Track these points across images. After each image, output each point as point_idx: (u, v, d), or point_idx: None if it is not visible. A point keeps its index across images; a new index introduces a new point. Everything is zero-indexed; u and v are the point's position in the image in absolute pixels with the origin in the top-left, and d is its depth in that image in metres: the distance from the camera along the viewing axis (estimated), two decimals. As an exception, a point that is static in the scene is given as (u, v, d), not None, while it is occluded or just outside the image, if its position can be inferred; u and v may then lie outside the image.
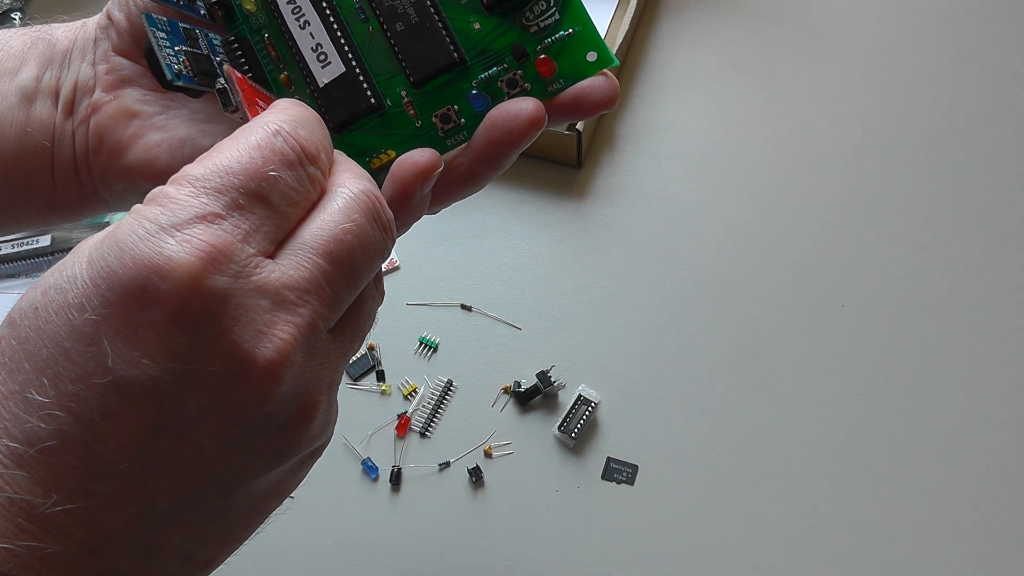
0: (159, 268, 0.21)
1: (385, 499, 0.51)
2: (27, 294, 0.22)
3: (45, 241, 0.59)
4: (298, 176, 0.24)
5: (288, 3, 0.30)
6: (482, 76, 0.30)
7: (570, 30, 0.29)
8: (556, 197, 0.62)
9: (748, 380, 0.54)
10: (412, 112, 0.30)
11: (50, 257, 0.58)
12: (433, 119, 0.30)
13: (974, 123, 0.64)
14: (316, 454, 0.26)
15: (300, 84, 0.31)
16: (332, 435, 0.26)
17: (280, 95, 0.31)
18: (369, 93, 0.30)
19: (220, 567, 0.25)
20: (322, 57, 0.30)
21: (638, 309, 0.57)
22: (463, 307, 0.58)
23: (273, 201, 0.23)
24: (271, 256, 0.23)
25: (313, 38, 0.30)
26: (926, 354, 0.55)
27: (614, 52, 0.30)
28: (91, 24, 0.33)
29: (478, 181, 0.30)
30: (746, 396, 0.54)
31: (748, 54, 0.69)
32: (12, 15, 0.70)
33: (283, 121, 0.24)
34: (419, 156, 0.28)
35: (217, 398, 0.22)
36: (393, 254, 0.59)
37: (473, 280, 0.59)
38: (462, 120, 0.30)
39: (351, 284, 0.24)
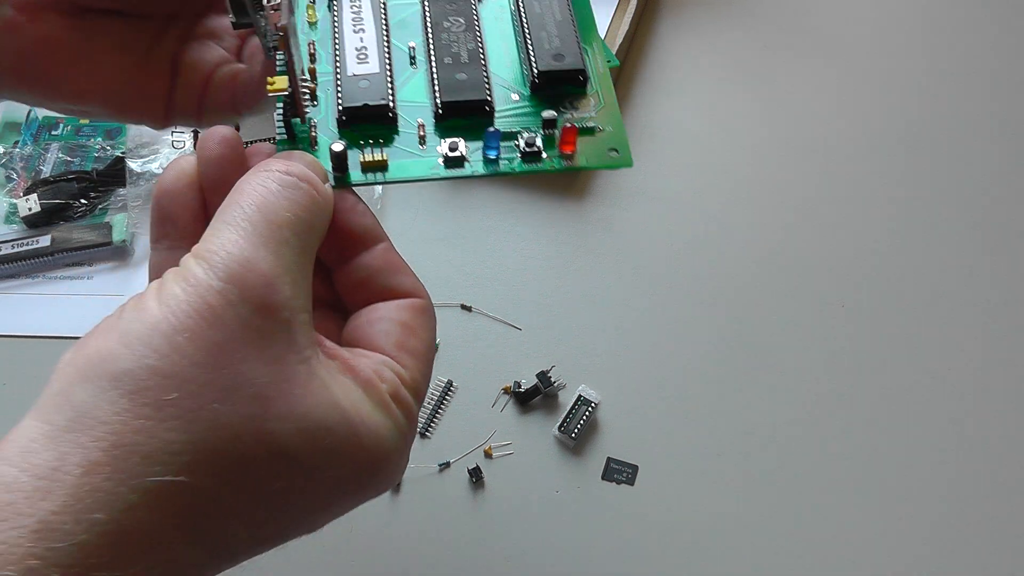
0: (392, 464, 0.25)
1: (385, 499, 0.51)
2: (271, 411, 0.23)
3: (45, 241, 0.59)
4: None
5: (352, 10, 0.31)
6: (504, 131, 0.30)
7: (602, 128, 0.31)
8: (556, 197, 0.62)
9: (748, 380, 0.54)
10: (421, 134, 0.30)
11: (50, 257, 0.58)
12: (440, 143, 0.30)
13: (975, 123, 0.64)
14: None
15: (323, 92, 0.31)
16: None
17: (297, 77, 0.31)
18: (389, 91, 0.30)
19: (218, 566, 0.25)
20: (362, 56, 0.31)
21: (638, 309, 0.57)
22: (463, 307, 0.58)
23: None
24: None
25: (361, 42, 0.31)
26: (927, 354, 0.55)
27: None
28: None
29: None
30: (746, 396, 0.54)
31: (748, 54, 0.69)
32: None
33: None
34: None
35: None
36: (393, 254, 0.60)
37: (473, 280, 0.59)
38: (466, 158, 0.30)
39: None
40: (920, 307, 0.57)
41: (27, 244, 0.59)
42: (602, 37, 0.64)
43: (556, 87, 0.31)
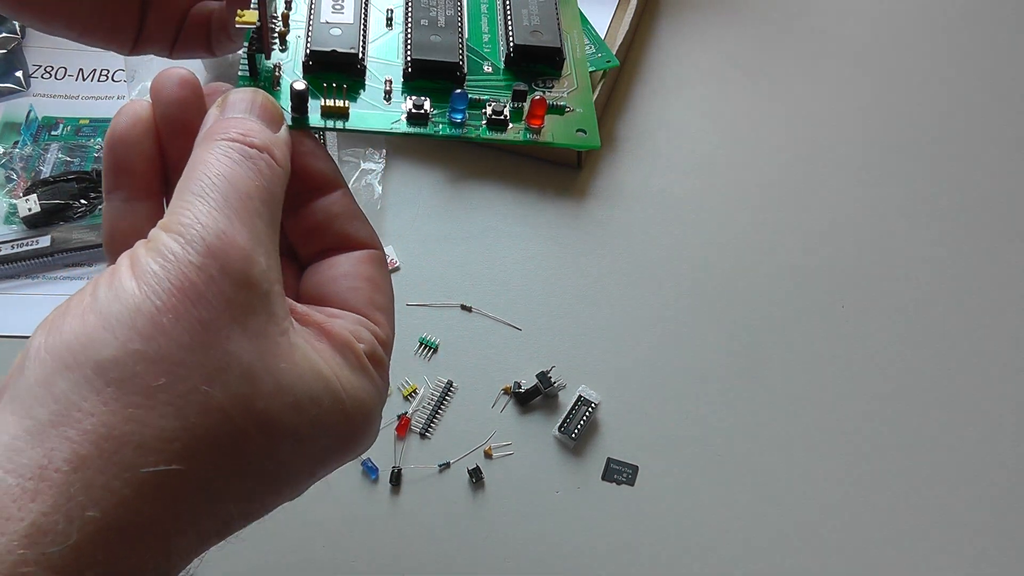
0: (372, 425, 0.25)
1: (385, 499, 0.51)
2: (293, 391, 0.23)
3: (45, 241, 0.59)
4: None
5: None
6: (472, 97, 0.30)
7: (572, 108, 0.30)
8: (556, 198, 0.62)
9: (748, 380, 0.54)
10: (387, 89, 0.30)
11: (50, 257, 0.58)
12: (405, 99, 0.29)
13: (974, 122, 0.64)
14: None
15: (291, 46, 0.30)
16: None
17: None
18: (360, 43, 0.29)
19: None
20: (337, 7, 0.30)
21: (638, 309, 0.57)
22: (463, 307, 0.58)
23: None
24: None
25: None
26: (926, 354, 0.55)
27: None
28: None
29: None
30: (746, 396, 0.54)
31: (748, 54, 0.69)
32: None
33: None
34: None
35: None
36: (393, 254, 0.59)
37: (473, 280, 0.59)
38: (433, 114, 0.29)
39: None
40: (920, 307, 0.57)
41: (27, 244, 0.59)
42: (602, 37, 0.64)
43: (531, 64, 0.31)
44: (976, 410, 0.53)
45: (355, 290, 0.27)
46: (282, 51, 0.30)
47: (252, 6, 0.28)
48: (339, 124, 0.28)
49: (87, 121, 0.66)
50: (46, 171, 0.63)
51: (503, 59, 0.31)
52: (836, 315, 0.56)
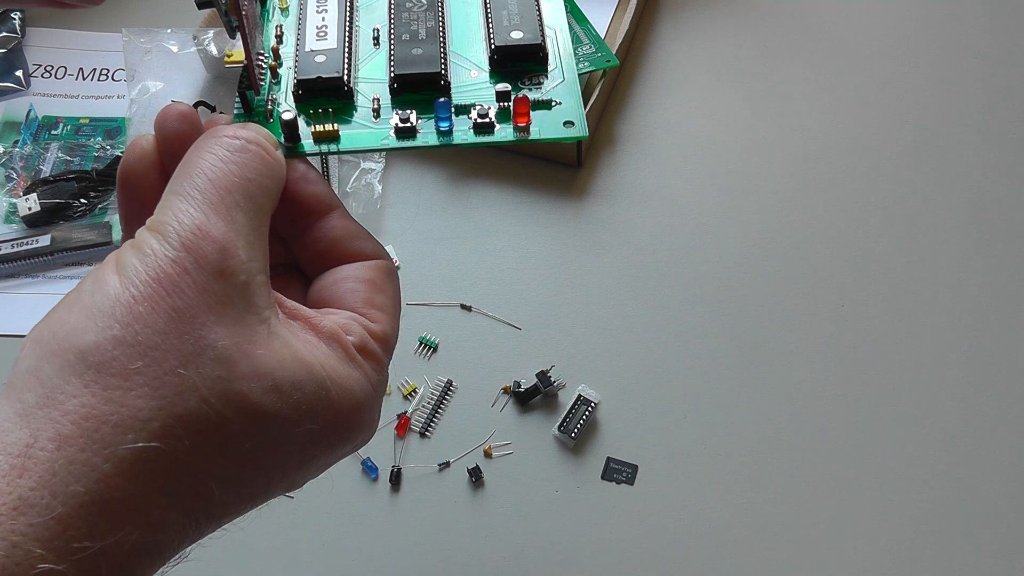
0: (364, 416, 0.26)
1: (385, 499, 0.51)
2: (278, 377, 0.24)
3: (45, 241, 0.59)
4: None
5: None
6: (457, 103, 0.30)
7: (559, 101, 0.31)
8: (556, 197, 0.62)
9: (748, 380, 0.54)
10: (375, 107, 0.30)
11: (50, 257, 0.58)
12: (393, 115, 0.30)
13: (974, 122, 0.64)
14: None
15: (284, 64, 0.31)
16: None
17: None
18: (345, 66, 0.30)
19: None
20: (321, 33, 0.31)
21: (638, 309, 0.57)
22: (463, 307, 0.58)
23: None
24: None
25: (323, 21, 0.31)
26: (926, 354, 0.55)
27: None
28: None
29: None
30: (746, 396, 0.54)
31: (748, 54, 0.69)
32: (12, 14, 0.70)
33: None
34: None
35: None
36: (393, 254, 0.59)
37: (473, 280, 0.59)
38: (419, 126, 0.30)
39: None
40: (920, 307, 0.57)
41: (27, 244, 0.59)
42: (602, 37, 0.64)
43: (515, 63, 0.31)
44: (977, 410, 0.53)
45: (353, 292, 0.28)
46: (275, 84, 0.31)
47: (239, 45, 0.29)
48: (331, 147, 0.30)
49: (87, 120, 0.66)
50: (46, 170, 0.63)
51: (488, 63, 0.31)
52: (837, 314, 0.56)
